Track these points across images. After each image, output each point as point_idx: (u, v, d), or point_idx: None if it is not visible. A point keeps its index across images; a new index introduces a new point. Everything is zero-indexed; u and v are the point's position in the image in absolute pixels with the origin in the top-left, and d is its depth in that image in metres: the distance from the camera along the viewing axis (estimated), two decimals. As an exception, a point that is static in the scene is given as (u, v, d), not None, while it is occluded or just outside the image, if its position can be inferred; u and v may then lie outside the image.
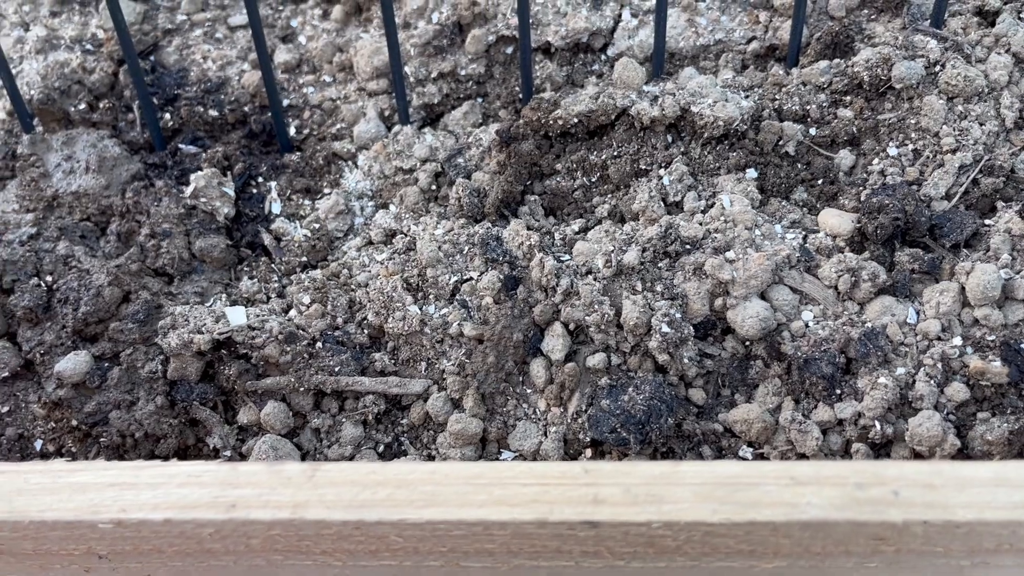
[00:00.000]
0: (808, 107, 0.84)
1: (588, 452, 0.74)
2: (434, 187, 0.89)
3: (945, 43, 0.83)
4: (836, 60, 0.85)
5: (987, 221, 0.77)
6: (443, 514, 0.56)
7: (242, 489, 0.56)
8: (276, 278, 0.84)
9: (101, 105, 0.98)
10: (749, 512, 0.55)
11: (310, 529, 0.56)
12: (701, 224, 0.78)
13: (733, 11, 0.94)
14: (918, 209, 0.76)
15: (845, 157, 0.83)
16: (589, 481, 0.56)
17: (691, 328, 0.75)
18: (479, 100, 0.96)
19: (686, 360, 0.74)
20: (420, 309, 0.77)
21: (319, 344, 0.77)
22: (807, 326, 0.75)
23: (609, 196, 0.84)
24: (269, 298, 0.83)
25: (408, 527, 0.56)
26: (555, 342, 0.75)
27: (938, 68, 0.82)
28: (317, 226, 0.87)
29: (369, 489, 0.56)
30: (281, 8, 1.08)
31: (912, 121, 0.81)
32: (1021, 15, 0.88)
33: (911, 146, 0.81)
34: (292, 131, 0.97)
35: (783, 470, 0.56)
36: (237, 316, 0.77)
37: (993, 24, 0.86)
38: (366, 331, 0.79)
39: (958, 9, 0.90)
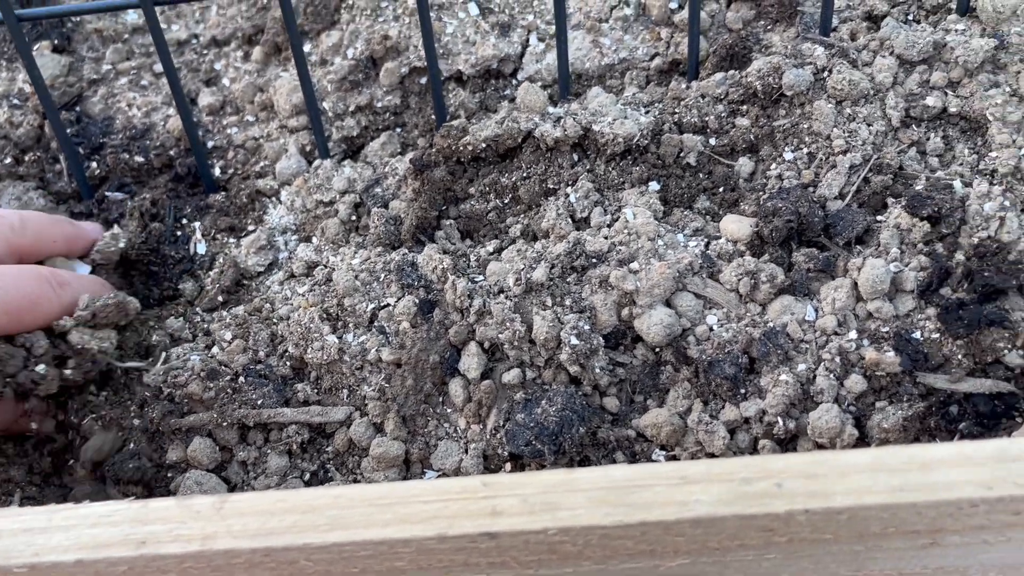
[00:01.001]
0: (707, 118, 0.87)
1: (508, 466, 0.76)
2: (354, 218, 0.91)
3: (832, 50, 0.86)
4: (732, 72, 0.88)
5: (879, 217, 0.80)
6: (348, 536, 0.57)
7: (152, 525, 0.58)
8: (200, 317, 0.86)
9: (27, 158, 1.00)
10: (640, 513, 0.57)
11: (221, 559, 0.58)
12: (607, 238, 0.81)
13: (636, 30, 0.97)
14: (811, 210, 0.79)
15: (744, 164, 0.86)
16: (488, 494, 0.59)
17: (601, 339, 0.77)
18: (397, 130, 0.99)
19: (597, 370, 0.77)
20: (339, 338, 0.79)
21: (241, 379, 0.79)
22: (711, 329, 0.77)
23: (521, 216, 0.87)
24: (195, 336, 0.85)
25: (315, 551, 0.58)
26: (471, 361, 0.78)
27: (826, 74, 0.85)
28: (240, 263, 0.89)
29: (276, 517, 0.58)
30: (206, 52, 1.10)
31: (805, 126, 0.85)
32: (909, 16, 0.92)
33: (805, 149, 0.84)
34: (217, 171, 1.00)
35: (675, 470, 0.59)
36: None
37: (880, 28, 0.90)
38: (288, 363, 0.81)
39: (848, 15, 0.94)
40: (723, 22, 0.96)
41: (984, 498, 0.56)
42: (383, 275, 0.82)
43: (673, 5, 0.98)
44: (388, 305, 0.80)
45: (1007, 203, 0.76)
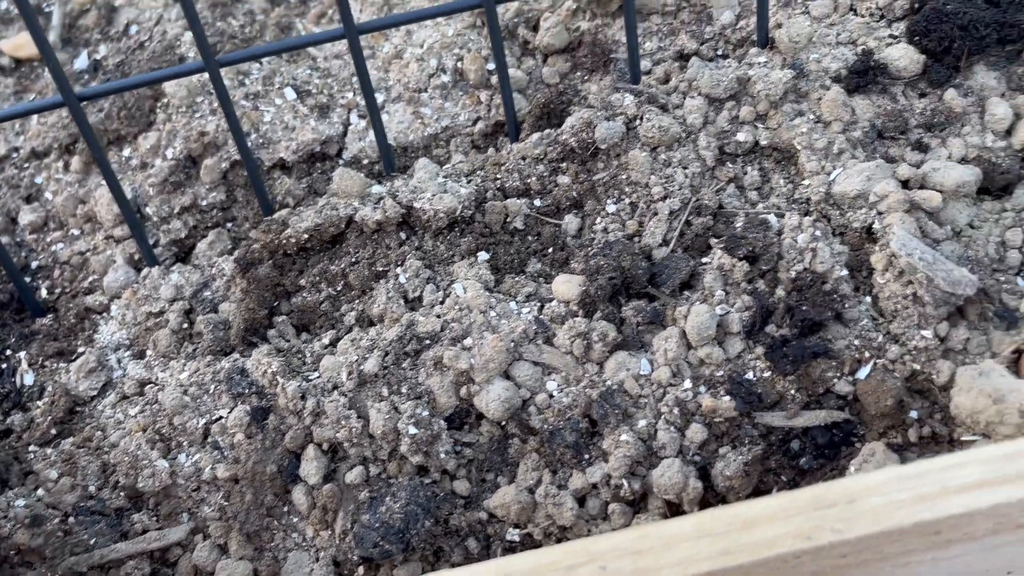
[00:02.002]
0: (529, 180, 0.87)
1: (360, 570, 0.74)
2: (185, 325, 0.88)
3: (641, 97, 0.87)
4: (548, 131, 0.88)
5: (704, 260, 0.81)
6: None
7: None
8: (33, 454, 0.82)
9: None
10: (466, 620, 0.55)
11: None
12: (439, 316, 0.80)
13: (455, 96, 0.97)
14: (634, 262, 0.79)
15: (571, 222, 0.85)
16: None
17: (443, 422, 0.76)
18: (228, 226, 0.96)
19: (442, 455, 0.75)
20: (171, 461, 0.76)
21: (72, 519, 0.75)
22: (551, 396, 0.76)
23: (355, 302, 0.85)
24: (27, 476, 0.80)
25: None
26: (310, 466, 0.75)
27: (637, 123, 0.85)
28: (71, 390, 0.85)
29: None
30: (26, 166, 1.06)
31: (624, 176, 0.85)
32: (718, 51, 0.94)
33: (627, 200, 0.84)
34: (44, 292, 0.96)
35: (498, 568, 0.57)
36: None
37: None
38: (122, 494, 0.77)
39: (661, 56, 0.95)
40: (540, 78, 0.97)
41: (804, 549, 0.56)
42: (213, 387, 0.79)
43: (490, 67, 0.97)
44: (220, 418, 0.77)
45: (818, 233, 0.77)
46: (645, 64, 0.94)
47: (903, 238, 0.72)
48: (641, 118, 0.85)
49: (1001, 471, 0.54)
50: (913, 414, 0.73)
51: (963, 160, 0.82)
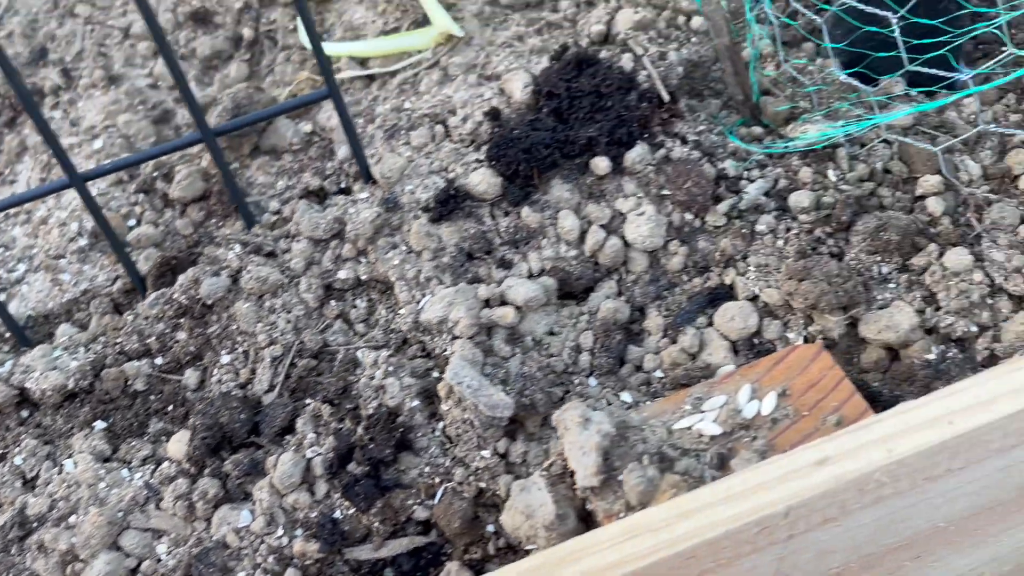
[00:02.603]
0: (149, 340, 0.90)
1: None
2: None
3: (247, 247, 0.91)
4: (163, 290, 0.92)
5: (308, 402, 0.85)
6: None
7: None
8: None
9: None
10: None
11: None
12: (49, 496, 0.81)
13: (94, 258, 1.00)
14: (233, 415, 0.82)
15: (191, 376, 0.89)
16: None
17: (53, 603, 0.77)
18: None
19: (52, 637, 0.77)
20: None
21: None
22: (159, 560, 0.79)
23: (-16, 487, 0.86)
24: None
25: None
26: (-83, 670, 0.76)
27: (241, 274, 0.90)
28: None
29: None
30: None
31: (234, 327, 0.89)
32: (341, 185, 0.99)
33: (240, 349, 0.88)
34: None
35: None
36: None
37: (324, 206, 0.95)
38: None
39: (289, 195, 1.00)
40: (175, 230, 1.00)
41: None
42: None
43: (131, 223, 1.01)
44: None
45: (391, 368, 0.82)
46: (274, 204, 0.99)
47: (455, 367, 0.78)
48: (244, 269, 0.89)
49: None
50: (490, 528, 0.78)
51: (541, 272, 0.88)
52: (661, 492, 0.69)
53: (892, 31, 0.79)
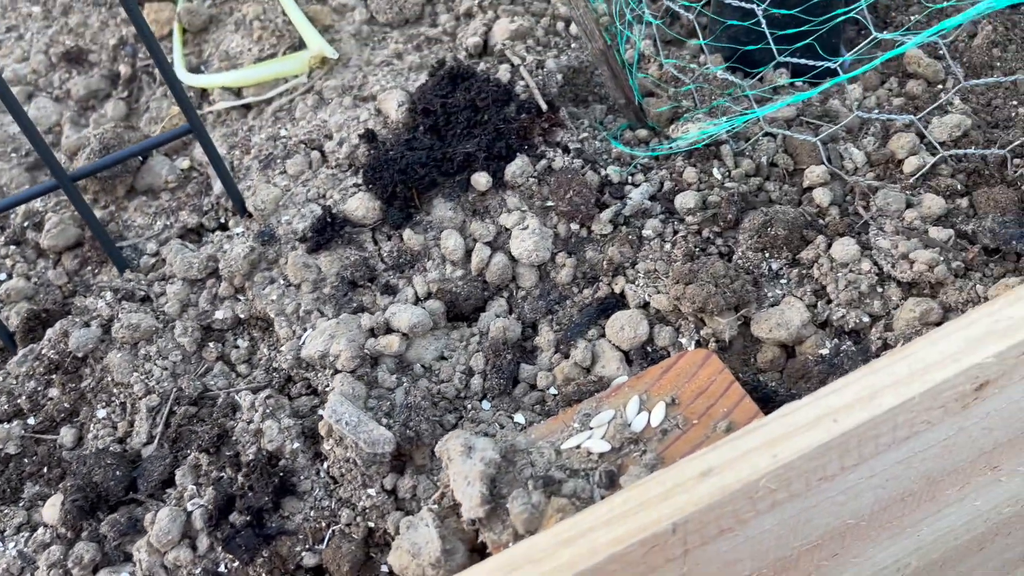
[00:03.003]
0: (20, 399, 0.85)
1: None
2: None
3: (117, 294, 0.87)
4: (31, 345, 0.87)
5: (188, 451, 0.81)
6: None
7: None
8: None
9: None
10: None
11: None
12: (-87, 576, 0.76)
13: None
14: (108, 472, 0.78)
15: (66, 434, 0.84)
16: None
17: None
18: None
19: None
20: None
21: None
22: (34, 636, 0.74)
23: None
24: None
25: None
26: None
27: (112, 323, 0.85)
28: None
29: None
30: None
31: (109, 379, 0.84)
32: (221, 220, 0.95)
33: (116, 402, 0.84)
34: None
35: None
36: None
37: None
38: None
39: (168, 235, 0.95)
40: (48, 281, 0.95)
41: None
42: None
43: (1, 276, 0.96)
44: None
45: (269, 410, 0.78)
46: (151, 246, 0.94)
47: (333, 404, 0.74)
48: (116, 318, 0.85)
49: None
50: (384, 568, 0.74)
51: (428, 295, 0.85)
52: (548, 518, 0.66)
53: (758, 23, 0.77)
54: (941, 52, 0.98)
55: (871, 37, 0.74)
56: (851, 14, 0.79)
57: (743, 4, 0.81)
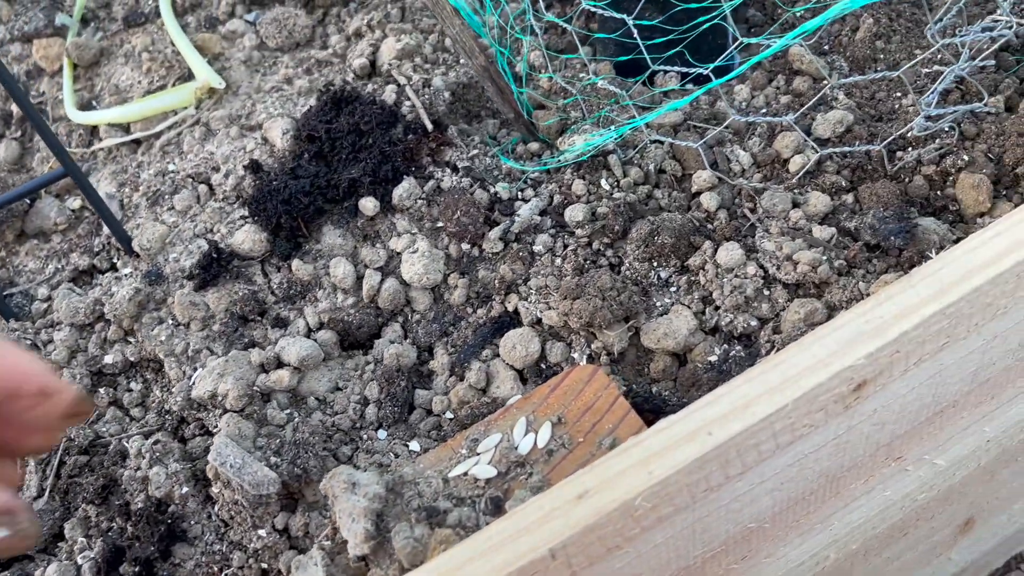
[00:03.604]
0: (-93, 460, 0.83)
1: None
2: None
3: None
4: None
5: (78, 503, 0.79)
6: None
7: None
8: None
9: None
10: None
11: None
12: None
13: None
14: (-3, 532, 0.76)
15: (-44, 492, 0.82)
16: None
17: None
18: None
19: None
20: None
21: None
22: None
23: None
24: None
25: None
26: None
27: (-2, 375, 0.83)
28: None
29: None
30: None
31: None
32: (114, 260, 0.93)
33: (6, 455, 0.82)
34: None
35: None
36: None
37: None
38: None
39: (59, 279, 0.94)
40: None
41: None
42: None
43: None
44: None
45: (156, 455, 0.77)
46: (43, 291, 0.93)
47: (218, 447, 0.73)
48: None
49: None
50: (282, 611, 0.73)
51: (320, 326, 0.84)
52: (432, 549, 0.66)
53: (633, 35, 0.77)
54: (825, 47, 0.98)
55: (738, 42, 0.74)
56: (716, 20, 0.79)
57: (613, 13, 0.80)
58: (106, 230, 0.93)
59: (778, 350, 0.79)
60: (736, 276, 0.80)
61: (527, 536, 0.62)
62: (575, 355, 0.80)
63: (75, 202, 0.98)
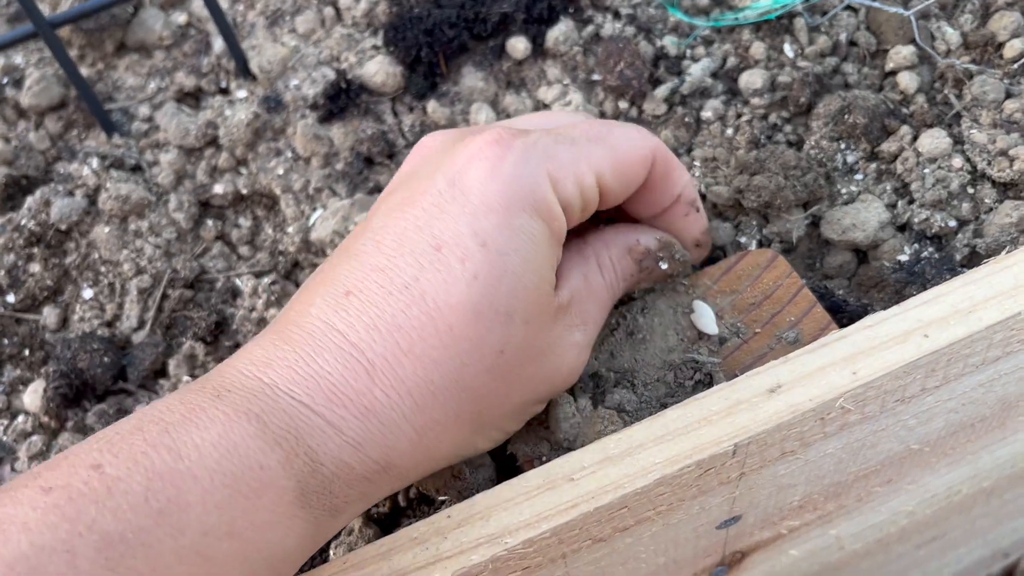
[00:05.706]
0: (-2, 274, 0.77)
1: None
2: None
3: (105, 161, 0.77)
4: (10, 214, 0.78)
5: (183, 339, 0.73)
6: None
7: None
8: None
9: None
10: None
11: None
12: None
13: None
14: (95, 359, 0.70)
15: (49, 315, 0.76)
16: None
17: None
18: None
19: None
20: None
21: None
22: None
23: None
24: None
25: None
26: None
27: (99, 193, 0.76)
28: None
29: None
30: None
31: (95, 256, 0.75)
32: (222, 84, 0.84)
33: (105, 281, 0.75)
34: None
35: None
36: None
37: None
38: None
39: (162, 99, 0.85)
40: (30, 144, 0.86)
41: None
42: None
43: (-22, 138, 0.86)
44: None
45: (272, 297, 0.69)
46: (144, 110, 0.84)
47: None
48: (102, 188, 0.76)
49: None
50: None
51: (454, 176, 0.75)
52: (592, 426, 0.59)
53: None
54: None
55: None
56: None
57: None
58: (216, 49, 0.84)
59: (978, 256, 0.70)
60: (940, 168, 0.70)
61: (708, 428, 0.54)
62: (742, 239, 0.71)
63: (181, 16, 0.89)
